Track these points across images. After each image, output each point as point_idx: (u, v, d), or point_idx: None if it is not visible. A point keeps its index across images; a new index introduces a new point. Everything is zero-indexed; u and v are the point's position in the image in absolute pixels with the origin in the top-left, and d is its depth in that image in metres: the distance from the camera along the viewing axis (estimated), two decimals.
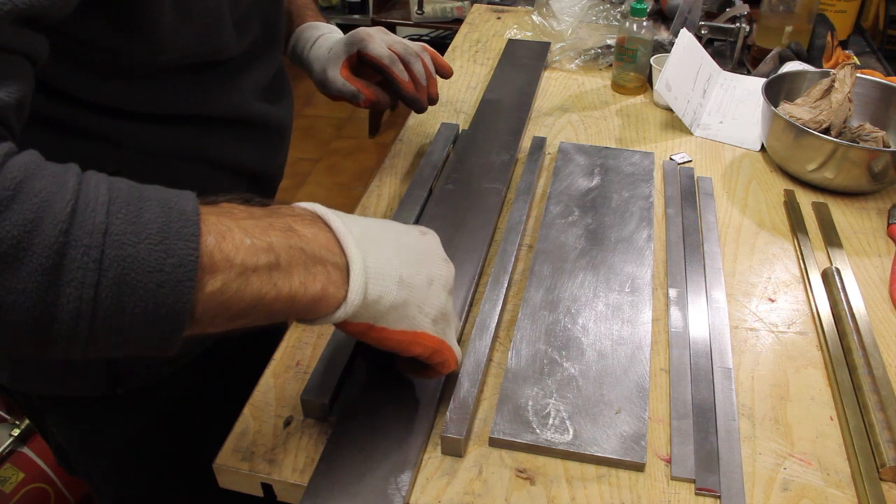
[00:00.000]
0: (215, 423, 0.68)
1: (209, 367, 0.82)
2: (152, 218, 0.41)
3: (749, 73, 1.29)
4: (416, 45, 0.91)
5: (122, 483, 0.87)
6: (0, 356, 0.74)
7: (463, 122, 1.12)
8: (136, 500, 0.89)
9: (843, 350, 0.73)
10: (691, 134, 1.12)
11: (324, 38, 0.91)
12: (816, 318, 0.78)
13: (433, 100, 0.92)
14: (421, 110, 0.92)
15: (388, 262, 0.52)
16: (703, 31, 1.31)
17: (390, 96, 0.90)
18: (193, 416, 0.82)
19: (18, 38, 0.42)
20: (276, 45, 0.77)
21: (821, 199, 0.98)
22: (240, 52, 0.67)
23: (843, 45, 1.41)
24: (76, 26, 0.53)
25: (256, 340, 0.70)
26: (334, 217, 0.51)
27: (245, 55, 0.69)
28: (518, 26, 1.45)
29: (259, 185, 0.80)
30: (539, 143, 1.05)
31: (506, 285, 0.79)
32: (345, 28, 0.94)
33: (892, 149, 0.98)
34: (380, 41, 0.87)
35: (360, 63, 0.88)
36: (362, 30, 0.88)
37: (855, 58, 1.29)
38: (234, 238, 0.44)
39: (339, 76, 0.86)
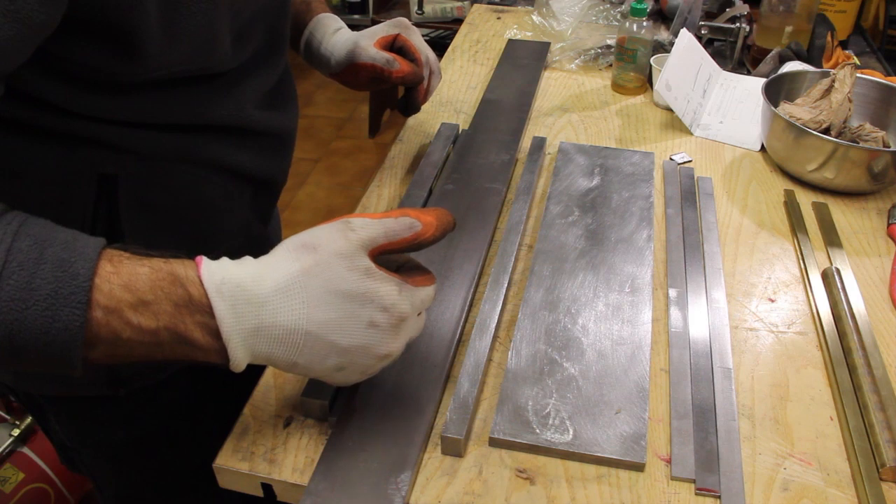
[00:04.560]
0: (216, 423, 0.68)
1: (210, 368, 0.82)
2: (43, 283, 0.44)
3: (749, 73, 1.29)
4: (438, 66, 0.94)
5: (125, 481, 0.88)
6: None
7: (463, 122, 1.12)
8: (139, 499, 0.90)
9: (843, 350, 0.73)
10: (691, 134, 1.12)
11: (344, 30, 0.91)
12: (816, 318, 0.78)
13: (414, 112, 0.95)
14: (408, 114, 0.94)
15: (278, 358, 0.51)
16: (703, 31, 1.31)
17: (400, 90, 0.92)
18: (195, 417, 0.82)
19: None
20: (281, 52, 0.76)
21: (821, 199, 0.98)
22: (237, 64, 0.67)
23: (843, 45, 1.41)
24: (62, 47, 0.53)
25: None
26: (227, 317, 0.48)
27: (245, 65, 0.68)
28: (518, 26, 1.45)
29: (263, 190, 0.79)
30: (539, 143, 1.05)
31: (506, 285, 0.79)
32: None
33: (892, 149, 0.98)
34: (422, 40, 0.90)
35: (392, 50, 0.89)
36: (405, 20, 0.90)
37: (855, 58, 1.29)
38: (122, 315, 0.47)
39: (371, 46, 0.86)
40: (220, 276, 0.48)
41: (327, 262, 0.50)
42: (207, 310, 0.48)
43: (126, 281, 0.47)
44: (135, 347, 0.48)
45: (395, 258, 0.57)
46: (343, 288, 0.50)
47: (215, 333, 0.49)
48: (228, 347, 0.49)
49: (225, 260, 0.51)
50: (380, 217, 0.52)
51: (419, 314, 0.56)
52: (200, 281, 0.48)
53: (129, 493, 0.89)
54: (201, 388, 0.82)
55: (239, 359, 0.50)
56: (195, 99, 0.65)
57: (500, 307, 0.76)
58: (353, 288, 0.50)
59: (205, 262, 0.49)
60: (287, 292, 0.49)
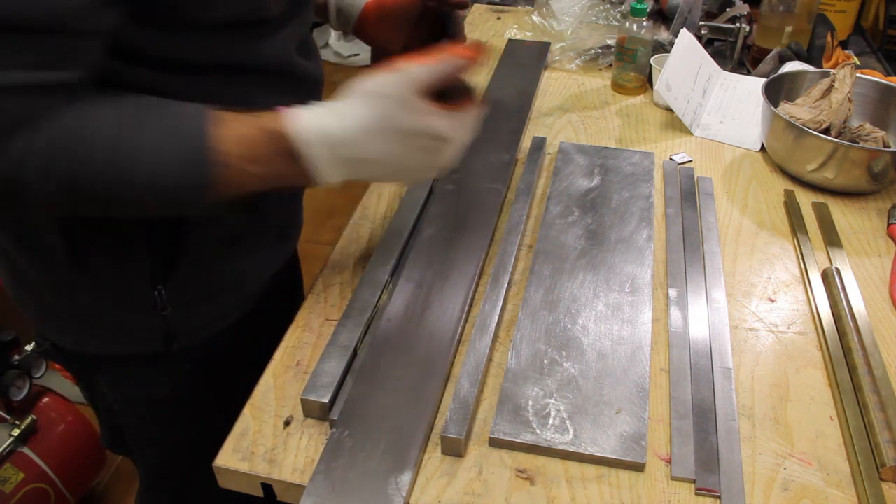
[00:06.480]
0: (254, 383, 0.71)
1: (252, 327, 0.86)
2: (183, 152, 0.58)
3: (749, 73, 1.29)
4: None
5: (167, 441, 0.91)
6: (68, 321, 0.77)
7: None
8: (180, 462, 0.92)
9: (843, 350, 0.73)
10: (691, 134, 1.12)
11: None
12: (816, 318, 0.78)
13: None
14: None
15: (360, 177, 0.65)
16: (703, 31, 1.31)
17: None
18: (238, 376, 0.83)
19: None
20: (307, 7, 0.80)
21: (821, 199, 0.98)
22: (278, 13, 0.71)
23: (843, 45, 1.41)
24: None
25: (288, 308, 0.82)
26: (307, 151, 0.61)
27: (283, 15, 0.72)
28: (518, 26, 1.45)
29: None
30: (539, 143, 1.05)
31: (506, 285, 0.79)
32: None
33: (892, 149, 0.98)
34: None
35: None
36: None
37: (855, 58, 1.29)
38: (241, 168, 0.60)
39: None
40: (314, 126, 0.61)
41: (393, 107, 0.61)
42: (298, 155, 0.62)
43: (238, 138, 0.60)
44: (247, 186, 0.62)
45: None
46: (407, 127, 0.61)
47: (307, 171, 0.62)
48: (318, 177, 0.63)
49: (316, 110, 0.62)
50: (429, 62, 0.63)
51: (467, 125, 0.67)
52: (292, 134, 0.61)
53: (171, 457, 0.92)
54: (246, 346, 0.84)
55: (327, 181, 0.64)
56: (251, 41, 0.69)
57: (500, 307, 0.76)
58: (414, 127, 0.62)
59: (300, 120, 0.61)
60: (367, 131, 0.61)
